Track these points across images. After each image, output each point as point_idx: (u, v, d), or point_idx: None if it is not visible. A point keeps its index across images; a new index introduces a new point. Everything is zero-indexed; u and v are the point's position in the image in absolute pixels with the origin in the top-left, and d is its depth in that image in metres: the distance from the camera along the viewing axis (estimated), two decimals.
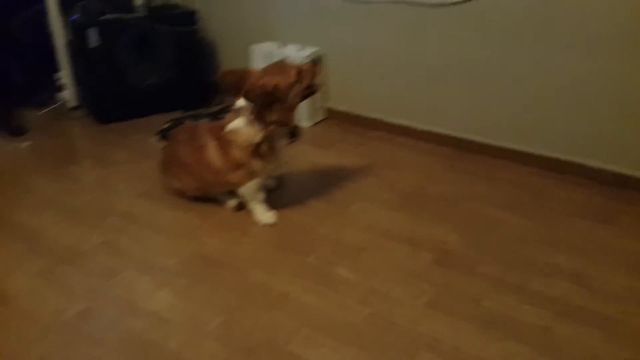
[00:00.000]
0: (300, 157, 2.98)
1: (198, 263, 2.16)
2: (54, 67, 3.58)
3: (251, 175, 2.34)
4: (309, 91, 2.29)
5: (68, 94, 3.61)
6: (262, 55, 3.36)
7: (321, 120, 3.45)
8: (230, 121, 2.31)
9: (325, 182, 2.74)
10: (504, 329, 1.84)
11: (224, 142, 2.32)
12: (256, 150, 2.27)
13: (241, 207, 2.49)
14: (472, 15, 2.77)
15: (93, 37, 3.29)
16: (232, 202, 2.51)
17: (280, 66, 2.26)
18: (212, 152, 2.35)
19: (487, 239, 2.30)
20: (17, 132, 3.25)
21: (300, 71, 2.22)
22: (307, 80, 2.25)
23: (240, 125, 2.27)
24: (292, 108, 2.25)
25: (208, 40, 3.86)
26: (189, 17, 3.57)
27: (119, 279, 2.06)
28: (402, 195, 2.62)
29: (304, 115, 3.35)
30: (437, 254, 2.20)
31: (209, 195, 2.54)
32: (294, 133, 3.11)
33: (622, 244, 2.26)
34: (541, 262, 2.15)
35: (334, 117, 3.47)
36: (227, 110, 2.47)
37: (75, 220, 2.42)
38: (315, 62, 2.32)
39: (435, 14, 2.88)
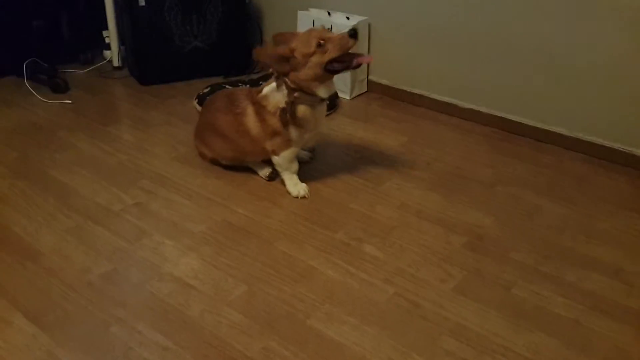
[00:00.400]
0: (338, 130, 2.93)
1: (226, 231, 2.15)
2: (102, 25, 3.60)
3: (287, 143, 2.30)
4: (339, 66, 2.16)
5: (112, 54, 3.64)
6: (308, 22, 3.30)
7: (362, 93, 3.38)
8: (266, 86, 2.29)
9: (361, 156, 2.69)
10: (532, 319, 1.78)
11: (259, 108, 2.30)
12: (282, 116, 2.23)
13: (273, 177, 2.47)
14: None
15: None
16: (265, 171, 2.49)
17: (309, 33, 2.18)
18: (250, 119, 2.32)
19: (523, 225, 2.22)
20: (60, 88, 3.28)
21: (321, 43, 2.12)
22: (332, 53, 2.12)
23: (271, 90, 2.26)
24: (311, 78, 2.16)
25: (255, 5, 3.81)
26: None
27: (146, 241, 2.07)
28: (439, 174, 2.55)
29: (344, 87, 3.29)
30: (469, 238, 2.14)
31: (244, 164, 2.52)
32: (332, 105, 3.07)
33: None
34: (579, 253, 2.07)
35: (375, 90, 3.39)
36: (268, 77, 2.43)
37: (109, 180, 2.44)
38: (351, 35, 2.13)
39: None
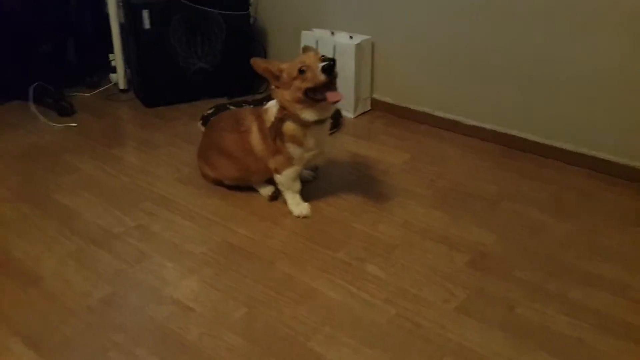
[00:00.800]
0: (341, 149, 2.93)
1: (227, 252, 2.15)
2: (108, 49, 3.64)
3: (289, 161, 2.30)
4: (320, 95, 2.13)
5: (118, 76, 3.67)
6: (312, 43, 3.31)
7: (366, 112, 3.38)
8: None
9: (364, 175, 2.69)
10: (536, 339, 1.75)
11: (262, 123, 2.33)
12: (270, 130, 2.26)
13: (276, 196, 2.47)
14: (529, 5, 2.64)
15: (146, 19, 3.31)
16: (267, 190, 2.49)
17: (301, 57, 2.18)
18: (254, 136, 2.34)
19: (527, 242, 2.20)
20: (66, 111, 3.31)
21: (303, 69, 2.11)
22: (308, 82, 2.11)
23: (273, 104, 2.29)
24: (294, 99, 2.16)
25: (259, 26, 3.83)
26: (241, 2, 3.56)
27: (147, 264, 2.07)
28: (443, 192, 2.54)
29: (347, 106, 3.29)
30: (473, 256, 2.12)
31: (248, 183, 2.52)
32: (335, 123, 3.07)
33: None
34: (583, 271, 2.04)
35: (379, 108, 3.39)
36: (271, 98, 2.45)
37: (112, 203, 2.44)
38: (323, 70, 2.06)
39: (490, 2, 2.76)
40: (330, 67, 2.07)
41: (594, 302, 1.89)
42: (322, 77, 2.07)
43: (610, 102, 2.57)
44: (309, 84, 2.11)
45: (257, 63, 2.23)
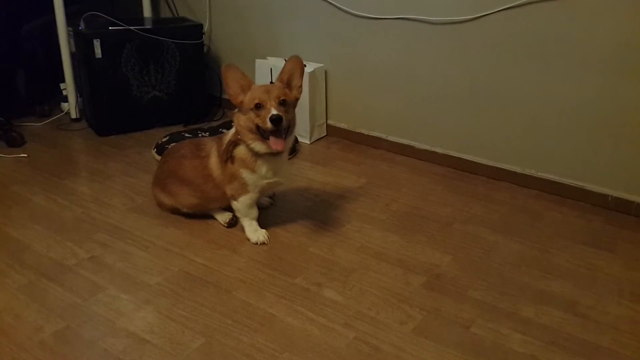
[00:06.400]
0: (298, 174, 2.95)
1: (183, 281, 2.12)
2: (59, 78, 3.59)
3: (244, 188, 2.30)
4: (265, 135, 2.16)
5: (70, 106, 3.62)
6: (266, 70, 3.34)
7: (322, 137, 3.42)
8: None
9: (321, 200, 2.71)
10: (491, 357, 1.78)
11: (220, 147, 2.33)
12: (223, 151, 2.27)
13: (233, 223, 2.46)
14: (476, 34, 2.74)
15: (97, 49, 3.29)
16: (224, 217, 2.48)
17: (262, 92, 2.16)
18: (213, 160, 2.35)
19: (480, 263, 2.24)
20: (16, 142, 3.25)
21: (257, 106, 2.14)
22: (259, 121, 2.13)
23: (232, 130, 2.30)
24: (247, 128, 2.18)
25: (213, 54, 3.85)
26: (195, 31, 3.58)
27: (101, 296, 2.03)
28: (398, 215, 2.58)
29: (303, 132, 3.32)
30: (428, 278, 2.15)
31: (206, 211, 2.51)
32: (292, 149, 3.09)
33: (619, 272, 2.20)
34: (535, 289, 2.09)
35: (335, 134, 3.44)
36: (228, 124, 2.45)
37: (64, 235, 2.39)
38: (271, 119, 2.09)
39: (439, 32, 2.85)
40: (278, 120, 2.09)
41: (545, 319, 1.94)
42: (269, 125, 2.10)
43: (556, 125, 2.66)
44: (258, 122, 2.14)
45: (229, 74, 2.20)
